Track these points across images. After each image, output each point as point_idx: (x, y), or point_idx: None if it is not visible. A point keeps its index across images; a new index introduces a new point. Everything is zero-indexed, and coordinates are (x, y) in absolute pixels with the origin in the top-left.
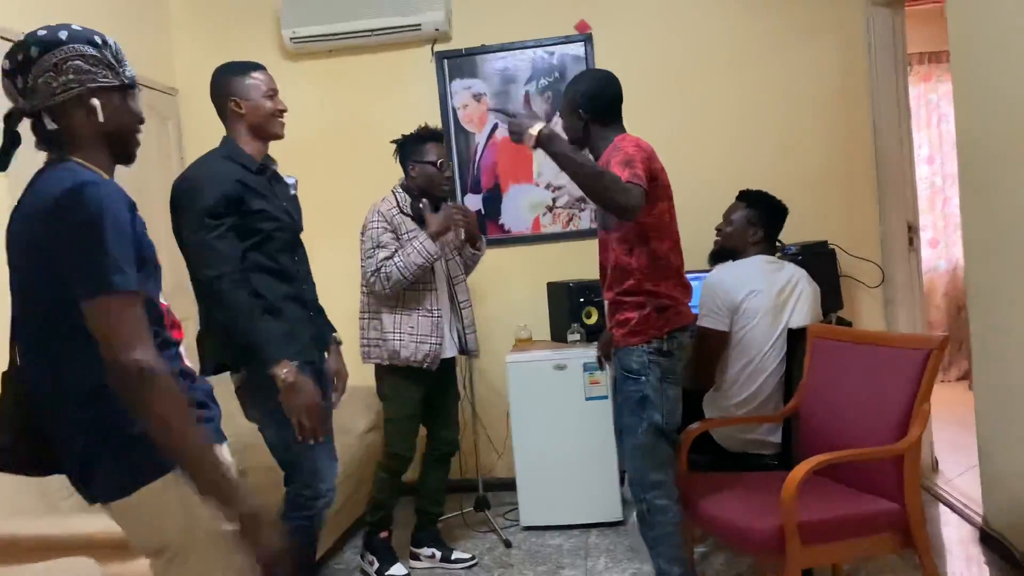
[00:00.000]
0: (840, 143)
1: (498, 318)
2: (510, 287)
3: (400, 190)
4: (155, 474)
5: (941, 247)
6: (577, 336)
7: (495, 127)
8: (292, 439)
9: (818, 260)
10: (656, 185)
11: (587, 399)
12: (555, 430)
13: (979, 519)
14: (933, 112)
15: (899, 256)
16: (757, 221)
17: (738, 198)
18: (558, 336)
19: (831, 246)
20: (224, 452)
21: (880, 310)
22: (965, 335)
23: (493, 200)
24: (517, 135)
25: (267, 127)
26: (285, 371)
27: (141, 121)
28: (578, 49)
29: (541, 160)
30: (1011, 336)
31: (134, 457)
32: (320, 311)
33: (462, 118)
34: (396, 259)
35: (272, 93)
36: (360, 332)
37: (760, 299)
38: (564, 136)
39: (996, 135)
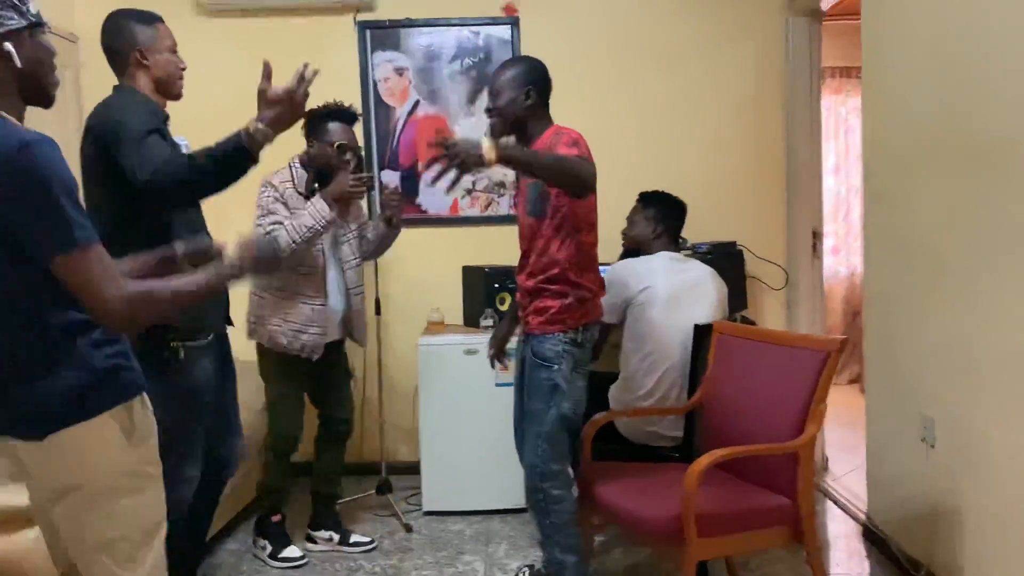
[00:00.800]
0: (755, 147)
1: (411, 300)
2: (424, 269)
3: (297, 165)
4: (80, 418)
5: (842, 255)
6: (490, 322)
7: (417, 102)
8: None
9: (726, 259)
10: None
11: (496, 385)
12: (463, 415)
13: (863, 516)
14: (842, 125)
15: (803, 261)
16: (655, 218)
17: (637, 200)
18: (471, 321)
19: (739, 247)
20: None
21: (782, 312)
22: (859, 340)
23: (411, 179)
24: (467, 163)
25: (171, 85)
26: None
27: (55, 55)
28: (504, 32)
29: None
30: (903, 342)
31: (59, 401)
32: None
33: (383, 91)
34: (286, 222)
35: (175, 49)
36: (249, 307)
37: (654, 293)
38: (510, 138)
39: (898, 147)
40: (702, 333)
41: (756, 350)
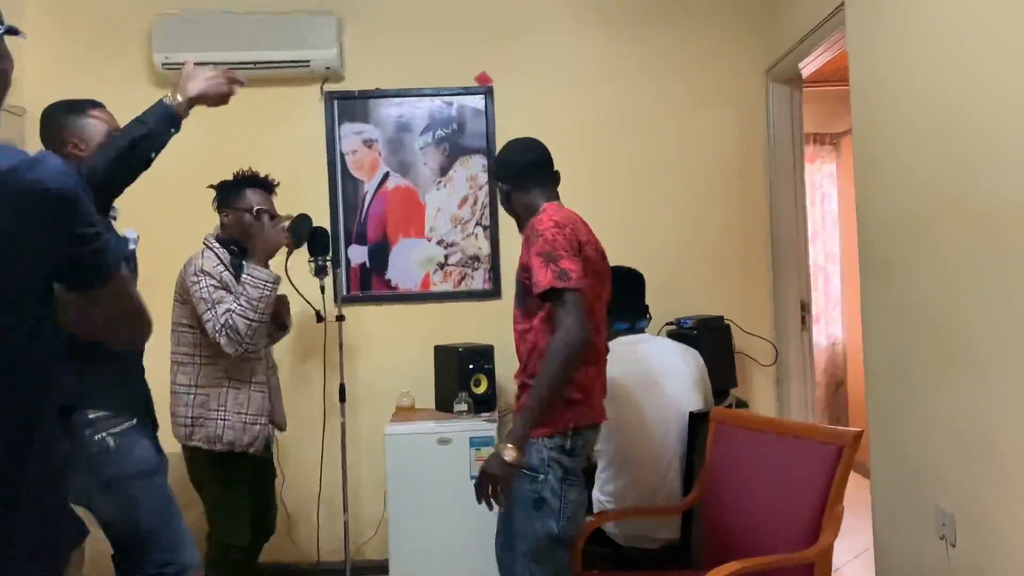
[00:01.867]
0: (737, 216)
1: (378, 383)
2: (393, 349)
3: (215, 243)
4: None
5: (822, 323)
6: (464, 406)
7: (386, 175)
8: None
9: (714, 335)
10: (583, 256)
11: (472, 477)
12: (436, 509)
13: None
14: (817, 191)
15: (792, 334)
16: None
17: None
18: (444, 405)
19: (727, 321)
20: None
21: (771, 388)
22: (844, 412)
23: (380, 253)
24: (504, 478)
25: None
26: None
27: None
28: (478, 101)
29: (434, 214)
30: (912, 425)
31: None
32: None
33: (350, 164)
34: (234, 306)
35: (116, 132)
36: (178, 408)
37: (611, 384)
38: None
39: (896, 214)
40: (697, 420)
41: (759, 441)
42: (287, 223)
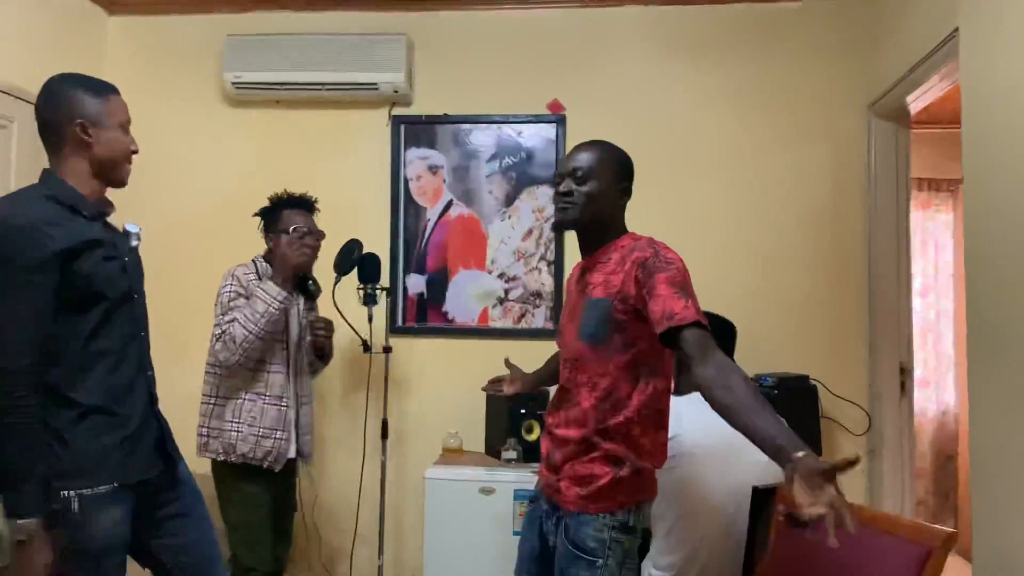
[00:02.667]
0: (829, 265)
1: (428, 419)
2: (444, 385)
3: (260, 259)
4: None
5: (931, 389)
6: (513, 455)
7: (450, 203)
8: None
9: (797, 397)
10: None
11: (515, 533)
12: (473, 563)
13: None
14: (930, 241)
15: (889, 401)
16: None
17: None
18: (492, 450)
19: (812, 381)
20: None
21: (863, 461)
22: (952, 487)
23: (438, 284)
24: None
25: (117, 168)
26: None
27: None
28: (549, 131)
29: (496, 246)
30: (1021, 510)
31: None
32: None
33: (414, 190)
34: (239, 314)
35: (128, 124)
36: (200, 419)
37: (681, 445)
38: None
39: (1011, 269)
40: (760, 498)
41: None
42: (305, 238)
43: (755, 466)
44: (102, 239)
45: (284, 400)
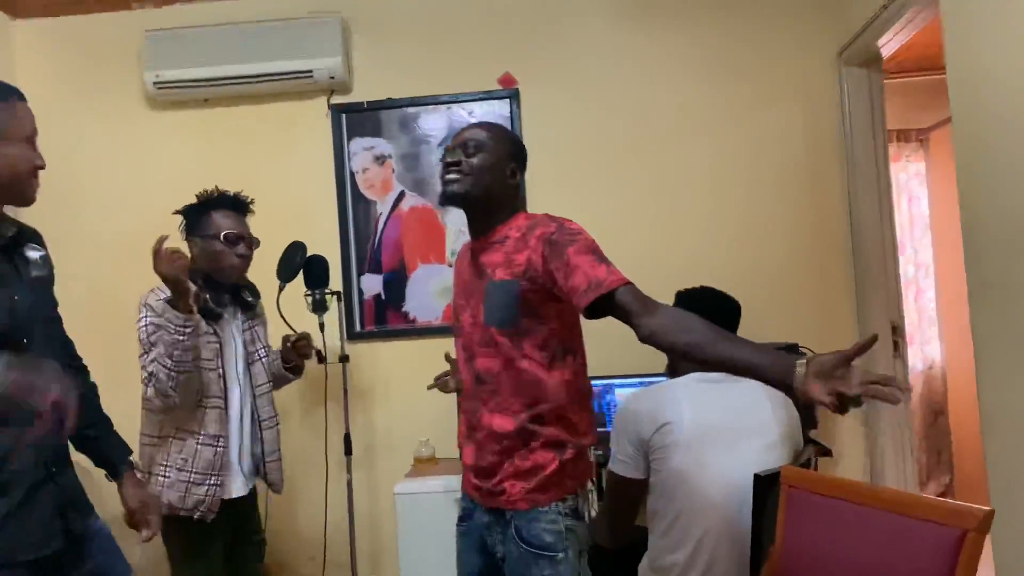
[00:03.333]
0: (810, 226)
1: (397, 429)
2: (411, 390)
3: None
4: None
5: (916, 345)
6: None
7: (401, 195)
8: None
9: None
10: None
11: None
12: None
13: None
14: (903, 194)
15: (883, 362)
16: None
17: (675, 302)
18: None
19: (803, 349)
20: None
21: (859, 429)
22: (945, 444)
23: (396, 283)
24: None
25: (20, 186)
26: None
27: None
28: (502, 107)
29: (454, 237)
30: None
31: None
32: (67, 461)
33: (361, 183)
34: (155, 352)
35: (34, 135)
36: (139, 462)
37: (678, 432)
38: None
39: (1010, 220)
40: (765, 484)
41: (846, 514)
42: (238, 245)
43: (756, 452)
44: None
45: (220, 439)
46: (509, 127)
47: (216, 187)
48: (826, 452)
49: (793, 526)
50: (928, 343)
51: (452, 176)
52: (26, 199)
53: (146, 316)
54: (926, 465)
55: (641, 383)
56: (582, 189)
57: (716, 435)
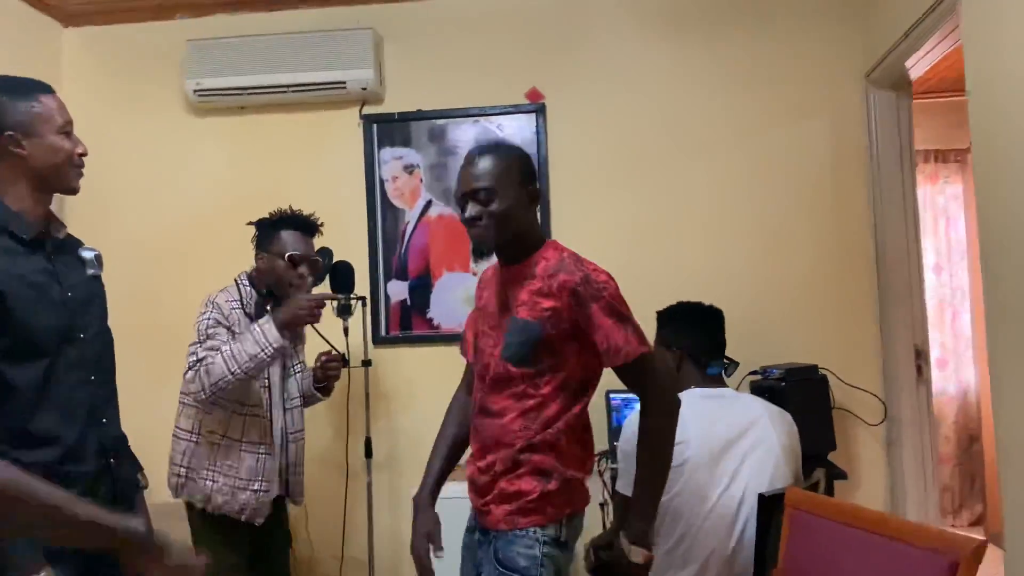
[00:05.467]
0: (833, 246)
1: (418, 433)
2: (435, 396)
3: (246, 281)
4: None
5: (950, 369)
6: None
7: (428, 203)
8: None
9: (806, 388)
10: None
11: None
12: None
13: None
14: (940, 216)
15: (905, 387)
16: (674, 344)
17: (658, 323)
18: None
19: (822, 371)
20: None
21: (880, 452)
22: (978, 471)
23: (421, 289)
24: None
25: (61, 176)
26: None
27: None
28: (529, 121)
29: None
30: None
31: None
32: (123, 452)
33: (390, 192)
34: (224, 348)
35: (69, 128)
36: (175, 455)
37: (686, 452)
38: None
39: None
40: (768, 505)
41: (847, 538)
42: (301, 266)
43: (760, 469)
44: (38, 273)
45: (262, 447)
46: (536, 141)
47: (289, 206)
48: (841, 475)
49: (795, 548)
50: (964, 368)
51: (476, 231)
52: (69, 187)
53: (211, 313)
54: (959, 492)
55: None
56: (607, 202)
57: (721, 453)
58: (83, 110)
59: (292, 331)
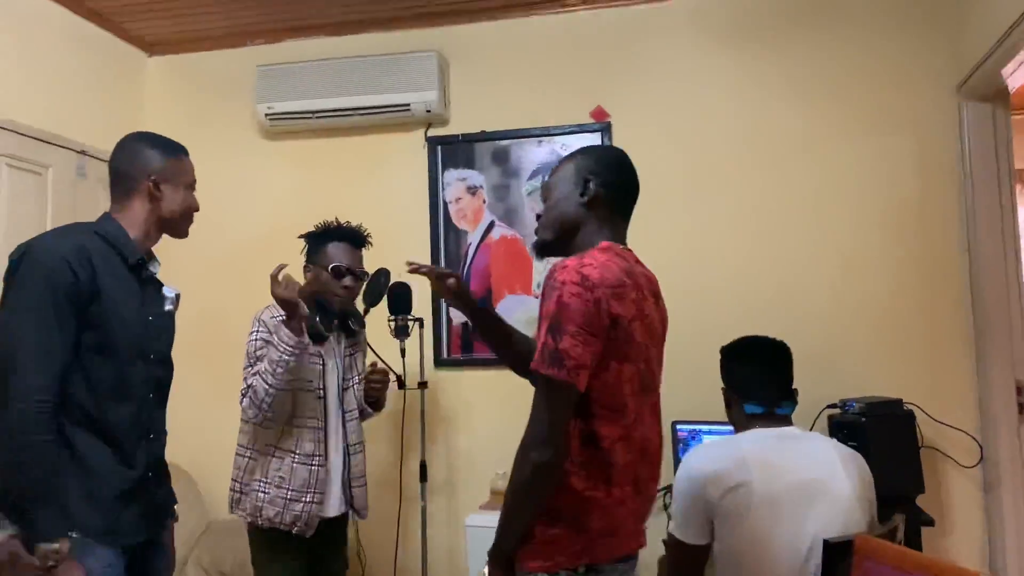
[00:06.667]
0: (921, 269)
1: (475, 458)
2: (493, 420)
3: None
4: None
5: None
6: None
7: (491, 224)
8: None
9: (889, 424)
10: (615, 336)
11: None
12: None
13: None
14: None
15: (1004, 426)
16: (736, 381)
17: (723, 359)
18: None
19: (907, 406)
20: None
21: (977, 497)
22: None
23: None
24: None
25: (181, 224)
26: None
27: None
28: (594, 141)
29: (542, 269)
30: None
31: None
32: (163, 474)
33: (454, 213)
34: (261, 367)
35: (194, 184)
36: (234, 471)
37: (749, 495)
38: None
39: None
40: (835, 553)
41: None
42: (345, 277)
43: (829, 515)
44: (131, 292)
45: (315, 459)
46: None
47: (336, 218)
48: (928, 521)
49: None
50: None
51: (537, 229)
52: (183, 234)
53: (258, 331)
54: None
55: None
56: (673, 222)
57: (787, 497)
58: (164, 133)
59: (295, 317)
